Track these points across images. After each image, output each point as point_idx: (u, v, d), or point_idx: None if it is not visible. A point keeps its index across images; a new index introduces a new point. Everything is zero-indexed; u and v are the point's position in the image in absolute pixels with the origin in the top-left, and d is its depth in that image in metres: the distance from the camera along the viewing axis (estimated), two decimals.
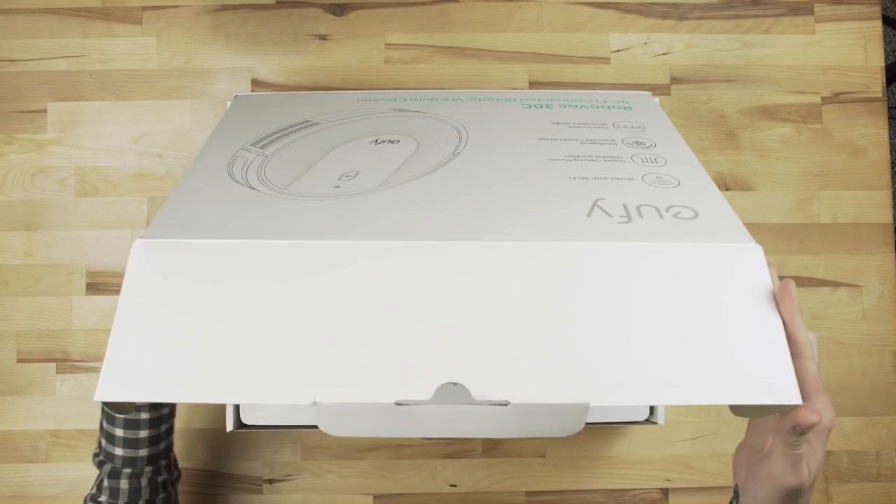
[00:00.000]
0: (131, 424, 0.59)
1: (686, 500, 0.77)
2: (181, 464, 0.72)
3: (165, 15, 0.81)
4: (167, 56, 0.81)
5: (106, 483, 0.60)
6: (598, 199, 0.45)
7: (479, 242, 0.40)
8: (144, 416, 0.60)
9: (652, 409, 0.64)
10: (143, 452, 0.60)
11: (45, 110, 0.80)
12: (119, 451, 0.60)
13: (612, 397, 0.36)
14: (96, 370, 0.77)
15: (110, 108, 0.80)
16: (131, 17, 0.81)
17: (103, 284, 0.78)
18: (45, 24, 0.81)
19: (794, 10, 0.82)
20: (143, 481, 0.60)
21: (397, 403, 0.37)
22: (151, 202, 0.79)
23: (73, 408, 0.77)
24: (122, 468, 0.60)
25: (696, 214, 0.44)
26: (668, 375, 0.37)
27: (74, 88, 0.80)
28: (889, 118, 0.82)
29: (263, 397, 0.36)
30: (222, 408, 0.63)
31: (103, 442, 0.61)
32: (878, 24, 0.82)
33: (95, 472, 0.62)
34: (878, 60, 0.81)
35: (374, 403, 0.37)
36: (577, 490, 0.77)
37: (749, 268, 0.40)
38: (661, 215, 0.43)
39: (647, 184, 0.47)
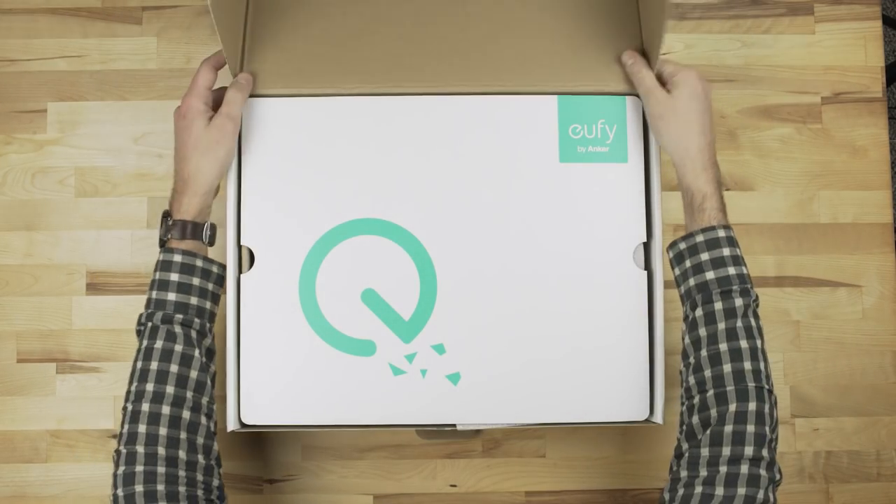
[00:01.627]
0: (186, 269, 0.58)
1: None
2: None
3: (165, 15, 0.81)
4: (167, 56, 0.81)
5: (161, 328, 0.57)
6: None
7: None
8: (199, 263, 0.59)
9: (652, 408, 0.64)
10: (195, 301, 0.59)
11: (45, 110, 0.80)
12: (172, 297, 0.58)
13: None
14: (96, 370, 0.77)
15: (110, 108, 0.80)
16: (131, 17, 0.81)
17: (103, 284, 0.78)
18: (45, 24, 0.81)
19: (794, 10, 0.82)
20: (193, 333, 0.58)
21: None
22: (151, 202, 0.79)
23: (73, 408, 0.77)
24: (175, 314, 0.58)
25: None
26: None
27: (74, 88, 0.80)
28: (889, 118, 0.82)
29: None
30: (222, 407, 0.63)
31: (153, 294, 0.59)
32: (878, 24, 0.82)
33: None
34: (878, 60, 0.81)
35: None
36: (577, 490, 0.77)
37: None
38: None
39: None
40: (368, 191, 0.65)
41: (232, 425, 0.63)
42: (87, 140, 0.80)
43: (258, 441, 0.77)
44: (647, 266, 0.65)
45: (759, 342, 0.55)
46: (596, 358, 0.64)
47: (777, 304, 0.79)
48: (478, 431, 0.76)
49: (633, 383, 0.64)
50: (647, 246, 0.66)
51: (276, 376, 0.64)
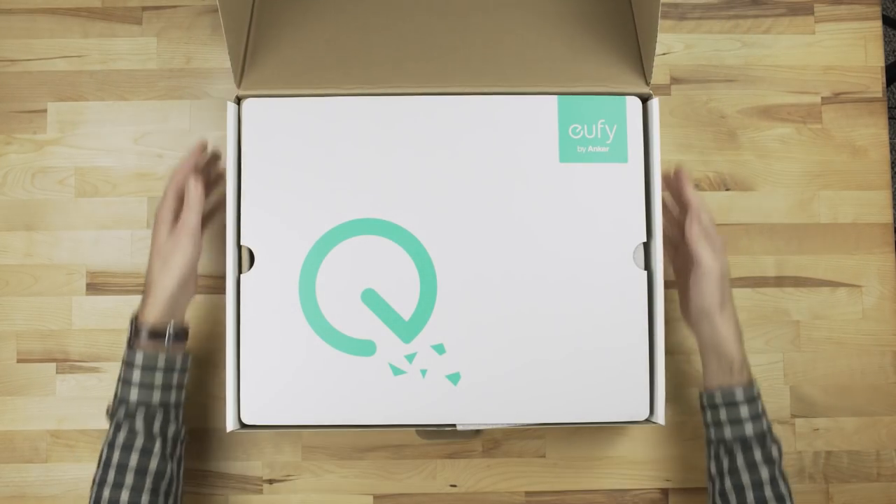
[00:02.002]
0: (148, 368, 0.62)
1: (686, 500, 0.77)
2: None
3: (165, 15, 0.81)
4: (167, 56, 0.81)
5: (124, 423, 0.61)
6: None
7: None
8: (161, 362, 0.62)
9: (652, 409, 0.64)
10: (157, 398, 0.62)
11: (45, 110, 0.80)
12: (134, 396, 0.61)
13: None
14: (96, 370, 0.77)
15: (110, 108, 0.80)
16: (131, 17, 0.81)
17: (103, 284, 0.78)
18: (45, 24, 0.81)
19: (794, 10, 0.82)
20: (156, 425, 0.62)
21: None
22: (151, 202, 0.79)
23: (73, 408, 0.77)
24: (137, 407, 0.61)
25: None
26: None
27: (74, 88, 0.80)
28: (889, 118, 0.82)
29: None
30: (222, 408, 0.63)
31: (118, 389, 0.63)
32: (878, 24, 0.82)
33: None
34: (878, 60, 0.81)
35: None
36: (577, 490, 0.77)
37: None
38: None
39: None
40: (368, 191, 0.65)
41: (232, 425, 0.63)
42: (87, 140, 0.80)
43: (258, 441, 0.77)
44: (647, 266, 0.65)
45: (789, 484, 0.62)
46: (596, 357, 0.64)
47: (777, 304, 0.79)
48: (478, 431, 0.76)
49: (633, 383, 0.64)
50: (647, 246, 0.66)
51: (276, 376, 0.64)
